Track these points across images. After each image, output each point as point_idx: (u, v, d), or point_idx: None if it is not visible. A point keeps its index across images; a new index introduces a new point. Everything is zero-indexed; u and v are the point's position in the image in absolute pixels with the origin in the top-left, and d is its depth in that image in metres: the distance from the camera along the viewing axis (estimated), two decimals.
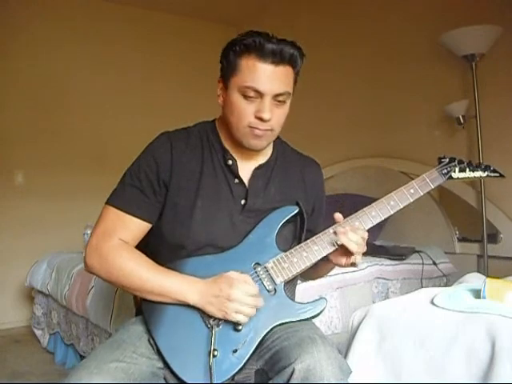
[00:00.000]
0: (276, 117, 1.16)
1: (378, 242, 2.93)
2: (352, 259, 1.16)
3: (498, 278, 1.44)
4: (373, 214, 1.19)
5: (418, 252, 2.67)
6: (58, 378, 2.45)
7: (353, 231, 1.14)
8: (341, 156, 3.56)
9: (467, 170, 1.26)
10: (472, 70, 2.60)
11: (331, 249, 1.17)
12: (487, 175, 1.28)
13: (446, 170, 1.25)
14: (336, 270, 2.20)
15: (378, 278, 2.46)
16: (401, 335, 1.29)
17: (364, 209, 1.20)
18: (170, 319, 1.12)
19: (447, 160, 1.27)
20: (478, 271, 2.31)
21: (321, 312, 1.15)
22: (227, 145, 1.24)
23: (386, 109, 3.27)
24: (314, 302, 1.15)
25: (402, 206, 1.21)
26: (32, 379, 2.52)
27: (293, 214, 1.22)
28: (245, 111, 1.14)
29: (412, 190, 1.22)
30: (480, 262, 2.72)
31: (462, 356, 1.15)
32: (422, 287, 2.33)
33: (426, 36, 2.94)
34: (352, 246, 1.13)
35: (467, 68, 2.64)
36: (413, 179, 1.24)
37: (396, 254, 2.63)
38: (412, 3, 3.08)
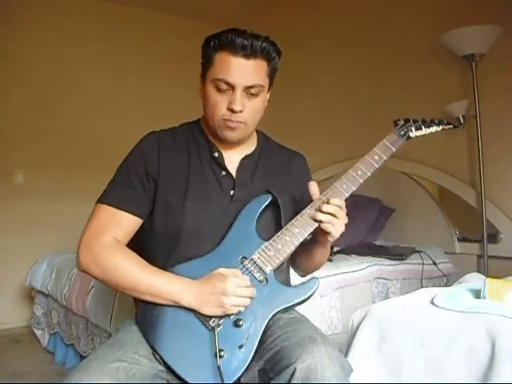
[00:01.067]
0: (249, 109, 1.19)
1: (378, 242, 2.93)
2: (328, 229, 1.15)
3: (498, 277, 1.44)
4: (344, 188, 1.21)
5: (418, 252, 2.67)
6: (57, 378, 2.45)
7: (326, 203, 1.15)
8: (341, 156, 3.56)
9: (423, 127, 1.31)
10: (472, 70, 2.60)
11: (312, 227, 1.17)
12: (442, 128, 1.33)
13: (403, 132, 1.29)
14: (336, 269, 2.23)
15: (378, 277, 2.46)
16: (401, 335, 1.29)
17: (334, 183, 1.22)
18: (169, 327, 1.11)
19: (402, 122, 1.31)
20: (478, 271, 2.31)
21: (315, 291, 1.15)
22: (212, 139, 1.27)
23: (386, 109, 3.27)
24: (306, 283, 1.16)
25: (369, 174, 1.24)
26: (32, 379, 2.51)
27: (266, 203, 1.23)
28: (218, 104, 1.18)
29: (376, 157, 1.25)
30: (480, 261, 2.71)
31: (462, 356, 1.15)
32: (422, 287, 2.33)
33: (426, 36, 2.94)
34: (329, 219, 1.14)
35: (467, 68, 2.64)
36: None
37: (396, 254, 2.63)
38: (412, 3, 3.07)
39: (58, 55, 3.71)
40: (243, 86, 1.16)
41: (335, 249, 2.56)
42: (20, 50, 3.58)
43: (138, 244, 1.24)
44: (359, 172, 1.22)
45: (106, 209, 1.19)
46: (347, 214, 1.19)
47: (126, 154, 1.28)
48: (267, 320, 1.11)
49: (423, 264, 2.60)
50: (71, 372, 1.02)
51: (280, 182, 1.30)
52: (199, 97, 1.26)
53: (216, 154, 1.25)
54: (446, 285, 2.57)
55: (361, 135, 3.41)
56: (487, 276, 1.55)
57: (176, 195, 1.20)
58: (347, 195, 1.21)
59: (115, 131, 3.83)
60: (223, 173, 1.25)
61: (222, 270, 1.11)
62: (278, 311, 1.12)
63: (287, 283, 1.30)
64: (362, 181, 1.22)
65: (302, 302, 1.15)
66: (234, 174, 1.26)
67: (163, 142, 1.25)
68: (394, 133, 1.29)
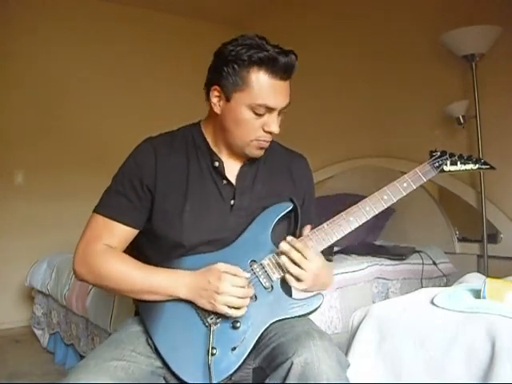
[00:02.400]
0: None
1: (378, 242, 2.93)
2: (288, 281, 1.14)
3: (498, 277, 1.44)
4: (366, 210, 1.20)
5: (418, 252, 2.67)
6: (57, 378, 2.44)
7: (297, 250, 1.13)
8: (341, 156, 3.56)
9: (458, 162, 1.28)
10: (472, 70, 2.60)
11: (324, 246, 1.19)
12: (478, 167, 1.30)
13: (437, 164, 1.27)
14: (336, 269, 2.23)
15: (378, 278, 2.46)
16: (401, 335, 1.29)
17: (358, 204, 1.21)
18: (168, 319, 1.12)
19: (438, 153, 1.28)
20: (478, 271, 2.30)
21: (318, 307, 1.15)
22: (213, 146, 1.25)
23: (385, 109, 3.27)
24: (310, 297, 1.16)
25: (395, 200, 1.22)
26: (32, 379, 2.51)
27: (287, 210, 1.23)
28: (254, 126, 1.16)
29: (405, 184, 1.23)
30: (480, 261, 2.71)
31: (462, 356, 1.15)
32: (422, 287, 2.33)
33: (426, 36, 2.94)
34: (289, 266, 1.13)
35: (467, 68, 2.64)
36: None
37: (396, 253, 2.63)
38: (412, 3, 3.07)
39: (57, 55, 3.71)
40: (281, 108, 1.17)
41: (335, 249, 2.56)
42: (20, 49, 3.58)
43: (137, 251, 1.23)
44: (385, 197, 1.21)
45: (100, 219, 1.19)
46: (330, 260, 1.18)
47: (126, 153, 1.26)
48: (265, 327, 1.11)
49: (423, 264, 2.60)
50: (69, 372, 1.03)
51: (280, 185, 1.29)
52: (214, 109, 1.19)
53: (217, 164, 1.23)
54: (446, 285, 2.57)
55: (361, 135, 3.42)
56: (487, 276, 1.55)
57: (174, 204, 1.19)
58: (368, 217, 1.20)
59: (115, 131, 3.82)
60: (224, 182, 1.23)
61: (220, 266, 1.10)
62: (278, 320, 1.12)
63: (290, 293, 1.29)
64: (386, 206, 1.21)
65: (304, 315, 1.15)
66: (234, 182, 1.24)
67: (160, 149, 1.22)
68: (428, 163, 1.26)
